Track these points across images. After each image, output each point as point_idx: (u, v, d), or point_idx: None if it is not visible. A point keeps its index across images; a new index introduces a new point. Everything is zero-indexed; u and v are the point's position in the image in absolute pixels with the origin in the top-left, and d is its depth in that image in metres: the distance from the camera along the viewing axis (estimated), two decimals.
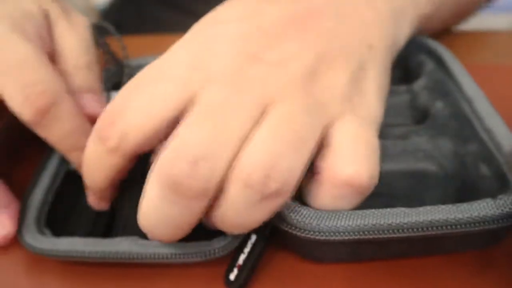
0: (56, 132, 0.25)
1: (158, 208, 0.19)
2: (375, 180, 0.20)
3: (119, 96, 0.21)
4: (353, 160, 0.20)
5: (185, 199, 0.18)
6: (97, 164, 0.22)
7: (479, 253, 0.23)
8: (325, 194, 0.20)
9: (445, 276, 0.22)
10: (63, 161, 0.27)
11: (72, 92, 0.26)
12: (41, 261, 0.24)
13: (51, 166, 0.26)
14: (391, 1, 0.26)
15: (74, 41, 0.28)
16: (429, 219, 0.20)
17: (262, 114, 0.20)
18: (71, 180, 0.26)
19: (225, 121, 0.19)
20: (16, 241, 0.24)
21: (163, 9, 0.52)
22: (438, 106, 0.27)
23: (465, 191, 0.24)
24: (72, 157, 0.25)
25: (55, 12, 0.29)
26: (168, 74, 0.21)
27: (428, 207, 0.20)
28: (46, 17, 0.28)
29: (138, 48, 0.38)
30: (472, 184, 0.24)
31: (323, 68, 0.22)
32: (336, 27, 0.23)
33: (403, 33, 0.27)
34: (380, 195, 0.24)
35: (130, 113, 0.20)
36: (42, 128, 0.24)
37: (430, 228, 0.20)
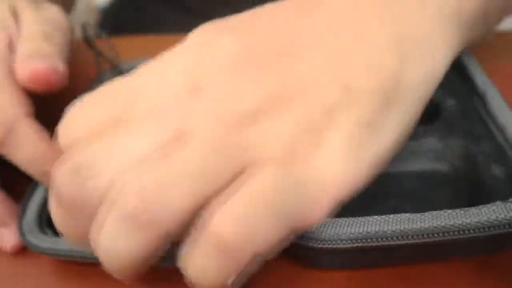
0: (19, 157, 0.25)
1: (55, 215, 0.18)
2: (254, 246, 0.16)
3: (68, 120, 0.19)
4: (235, 218, 0.16)
5: (64, 207, 0.18)
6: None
7: (481, 258, 0.22)
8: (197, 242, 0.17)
9: (446, 281, 0.22)
10: None
11: (20, 59, 0.26)
12: (41, 261, 0.24)
13: None
14: (393, 22, 0.20)
15: (34, 17, 0.28)
16: (435, 225, 0.19)
17: (168, 144, 0.17)
18: None
19: (119, 141, 0.17)
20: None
21: (163, 9, 0.52)
22: (450, 103, 0.26)
23: (476, 192, 0.23)
24: (45, 182, 0.25)
25: (22, 6, 0.28)
26: (111, 95, 0.19)
27: (434, 212, 0.19)
28: (14, 14, 0.28)
29: (138, 48, 0.38)
30: (484, 185, 0.23)
31: (269, 110, 0.18)
32: (300, 64, 0.19)
33: (420, 71, 0.20)
34: (390, 196, 0.24)
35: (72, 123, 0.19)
36: (6, 154, 0.25)
37: (436, 235, 0.19)
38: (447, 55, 0.21)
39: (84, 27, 0.32)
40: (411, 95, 0.19)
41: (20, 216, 0.24)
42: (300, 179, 0.17)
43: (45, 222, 0.24)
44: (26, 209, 0.24)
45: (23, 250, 0.24)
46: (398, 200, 0.24)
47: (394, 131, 0.19)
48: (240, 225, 0.16)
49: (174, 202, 0.16)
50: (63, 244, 0.22)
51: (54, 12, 0.30)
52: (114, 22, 0.54)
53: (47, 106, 0.27)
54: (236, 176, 0.17)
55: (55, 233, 0.23)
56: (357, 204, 0.23)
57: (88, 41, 0.32)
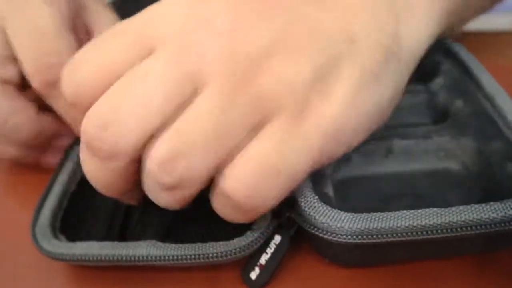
0: (62, 104, 0.25)
1: (85, 163, 0.19)
2: (255, 204, 0.18)
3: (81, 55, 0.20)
4: (240, 178, 0.17)
5: (98, 158, 0.19)
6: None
7: (483, 254, 0.22)
8: (214, 198, 0.19)
9: (448, 277, 0.22)
10: (79, 165, 0.26)
11: None
12: (51, 265, 0.24)
13: (66, 171, 0.26)
14: None
15: (109, 21, 0.28)
16: (463, 218, 0.19)
17: (189, 93, 0.18)
18: (86, 184, 0.25)
19: (140, 89, 0.18)
20: (30, 246, 0.23)
21: None
22: (458, 104, 0.27)
23: (491, 190, 0.23)
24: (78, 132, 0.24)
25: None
26: (123, 30, 0.19)
27: (461, 207, 0.20)
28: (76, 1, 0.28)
29: None
30: (498, 183, 0.23)
31: (280, 55, 0.18)
32: (311, 11, 0.19)
33: (413, 32, 0.21)
34: (403, 195, 0.24)
35: (84, 69, 0.19)
36: (50, 99, 0.25)
37: (464, 228, 0.19)
38: (433, 24, 0.22)
39: None
40: (406, 54, 0.21)
41: (33, 222, 0.23)
42: (306, 133, 0.18)
43: (59, 228, 0.24)
44: (40, 214, 0.24)
45: (36, 255, 0.23)
46: (411, 199, 0.24)
47: (392, 86, 0.20)
48: (250, 191, 0.17)
49: (192, 168, 0.17)
50: (77, 249, 0.22)
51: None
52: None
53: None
54: (253, 128, 0.18)
55: (69, 238, 0.23)
56: (372, 203, 0.23)
57: None
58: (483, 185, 0.24)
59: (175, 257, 0.21)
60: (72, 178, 0.26)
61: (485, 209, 0.19)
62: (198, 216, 0.22)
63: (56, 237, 0.23)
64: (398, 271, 0.22)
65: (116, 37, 0.19)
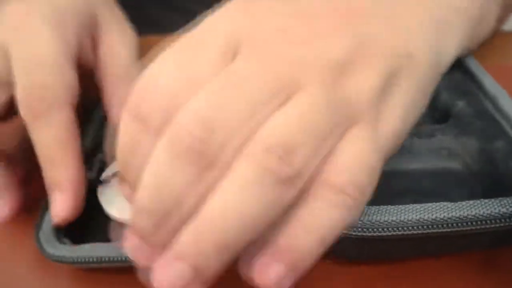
0: (42, 137, 0.25)
1: (162, 173, 0.17)
2: (362, 197, 0.18)
3: (155, 67, 0.19)
4: (352, 172, 0.18)
5: (197, 169, 0.16)
6: (133, 149, 0.19)
7: (485, 253, 0.23)
8: (321, 203, 0.18)
9: (450, 276, 0.22)
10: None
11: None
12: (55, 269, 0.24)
13: None
14: (431, 9, 0.23)
15: (124, 52, 0.28)
16: (473, 213, 0.19)
17: (285, 96, 0.18)
18: (90, 190, 0.26)
19: (245, 91, 0.17)
20: (34, 250, 0.23)
21: (163, 10, 0.51)
22: (460, 105, 0.27)
23: (493, 188, 0.24)
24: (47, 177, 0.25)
25: (105, 16, 0.28)
26: (207, 42, 0.19)
27: (471, 202, 0.20)
28: (93, 17, 0.28)
29: (138, 49, 0.37)
30: (502, 181, 0.23)
31: (358, 63, 0.19)
32: (376, 26, 0.21)
33: (449, 47, 0.24)
34: (406, 193, 0.24)
35: (165, 84, 0.18)
36: (32, 130, 0.25)
37: (474, 223, 0.19)
38: (460, 45, 0.25)
39: None
40: (443, 69, 0.23)
41: (37, 225, 0.23)
42: (381, 137, 0.19)
43: (63, 232, 0.23)
44: (43, 218, 0.24)
45: (40, 259, 0.23)
46: (414, 196, 0.24)
47: (429, 98, 0.22)
48: (359, 184, 0.17)
49: (309, 159, 0.17)
50: (81, 251, 0.22)
51: (132, 37, 0.30)
52: None
53: None
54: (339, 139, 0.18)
55: (73, 242, 0.23)
56: (375, 200, 0.23)
57: None
58: (485, 184, 0.24)
59: None
60: None
61: (495, 204, 0.20)
62: None
63: (60, 240, 0.23)
64: (398, 270, 0.22)
65: (194, 48, 0.19)
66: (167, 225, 0.17)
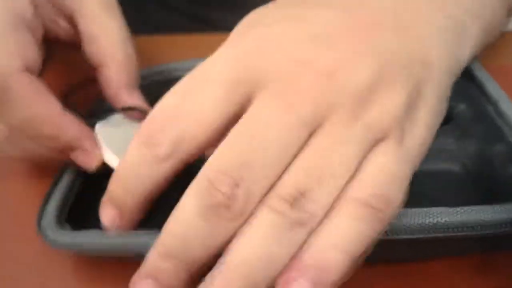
0: (13, 120, 0.23)
1: (192, 224, 0.18)
2: (390, 209, 0.18)
3: (167, 100, 0.20)
4: (375, 185, 0.18)
5: (226, 221, 0.18)
6: (140, 174, 0.20)
7: (482, 255, 0.23)
8: (346, 217, 0.18)
9: (446, 277, 0.22)
10: None
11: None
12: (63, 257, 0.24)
13: (73, 166, 0.26)
14: (449, 15, 0.23)
15: (112, 24, 0.27)
16: (482, 218, 0.20)
17: (308, 135, 0.18)
18: (92, 178, 0.26)
19: (269, 141, 0.18)
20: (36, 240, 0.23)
21: (163, 10, 0.51)
22: (461, 108, 0.27)
23: (492, 192, 0.24)
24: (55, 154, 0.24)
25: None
26: (217, 76, 0.20)
27: (473, 207, 0.20)
28: None
29: (137, 48, 0.37)
30: (500, 185, 0.23)
31: (381, 86, 0.19)
32: (393, 40, 0.20)
33: (465, 53, 0.24)
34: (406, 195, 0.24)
35: (183, 119, 0.19)
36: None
37: (479, 228, 0.20)
38: (474, 51, 0.25)
39: None
40: (458, 76, 0.23)
41: (39, 213, 0.23)
42: (403, 157, 0.19)
43: (65, 220, 0.23)
44: (46, 206, 0.24)
45: (45, 246, 0.23)
46: (412, 198, 0.24)
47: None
48: (385, 196, 0.18)
49: (321, 202, 0.18)
50: (82, 237, 0.22)
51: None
52: None
53: None
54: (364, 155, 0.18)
55: (74, 228, 0.23)
56: None
57: None
58: (484, 187, 0.24)
59: None
60: (79, 172, 0.26)
61: (494, 209, 0.20)
62: None
63: (62, 227, 0.23)
64: (396, 272, 0.22)
65: (208, 85, 0.20)
66: (190, 270, 0.18)
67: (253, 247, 0.17)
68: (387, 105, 0.19)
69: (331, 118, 0.18)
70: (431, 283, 0.22)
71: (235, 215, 0.18)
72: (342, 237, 0.17)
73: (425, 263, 0.22)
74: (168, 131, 0.19)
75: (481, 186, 0.25)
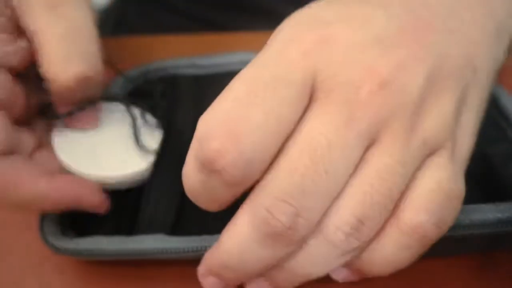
0: None
1: (249, 248, 0.18)
2: (442, 232, 0.18)
3: (224, 110, 0.17)
4: (427, 208, 0.18)
5: (284, 247, 0.18)
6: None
7: (482, 255, 0.22)
8: (391, 243, 0.18)
9: (448, 278, 0.22)
10: None
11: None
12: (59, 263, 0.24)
13: None
14: (494, 17, 0.22)
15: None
16: (478, 217, 0.20)
17: (362, 152, 0.18)
18: None
19: (331, 164, 0.17)
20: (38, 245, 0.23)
21: (164, 10, 0.51)
22: None
23: (492, 192, 0.23)
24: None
25: None
26: (286, 77, 0.17)
27: (476, 206, 0.20)
28: None
29: (137, 48, 0.37)
30: (503, 184, 0.23)
31: (433, 91, 0.18)
32: (444, 43, 0.19)
33: (501, 58, 0.23)
34: None
35: (251, 134, 0.17)
36: None
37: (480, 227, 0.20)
38: (506, 50, 0.23)
39: None
40: (496, 78, 0.22)
41: (41, 218, 0.23)
42: (454, 165, 0.19)
43: (67, 225, 0.23)
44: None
45: (46, 251, 0.23)
46: None
47: None
48: (438, 219, 0.18)
49: (375, 226, 0.18)
50: (84, 244, 0.22)
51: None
52: (114, 22, 0.54)
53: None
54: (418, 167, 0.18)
55: (77, 234, 0.23)
56: None
57: None
58: (484, 187, 0.24)
59: (181, 250, 0.21)
60: None
61: (492, 208, 0.20)
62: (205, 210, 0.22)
63: (64, 233, 0.23)
64: (395, 272, 0.22)
65: (272, 88, 0.17)
66: (248, 276, 0.19)
67: (303, 268, 0.19)
68: (439, 113, 0.18)
69: (387, 132, 0.18)
70: (431, 283, 0.22)
71: (293, 242, 0.17)
72: (383, 262, 0.19)
73: (425, 263, 0.22)
74: (233, 151, 0.17)
75: (481, 186, 0.24)
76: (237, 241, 0.18)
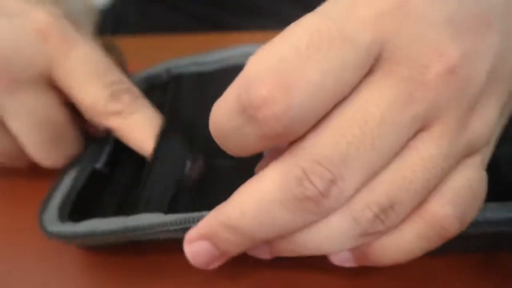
0: None
1: (270, 208, 0.17)
2: (461, 228, 0.18)
3: (280, 56, 0.16)
4: (454, 202, 0.18)
5: (307, 214, 0.17)
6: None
7: (483, 255, 0.22)
8: (411, 232, 0.18)
9: (450, 278, 0.22)
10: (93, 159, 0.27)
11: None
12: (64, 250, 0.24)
13: (81, 163, 0.26)
14: None
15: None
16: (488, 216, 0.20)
17: (412, 135, 0.17)
18: (96, 178, 0.26)
19: (379, 139, 0.16)
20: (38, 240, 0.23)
21: (164, 10, 0.51)
22: None
23: (498, 193, 0.23)
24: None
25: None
26: (352, 36, 0.16)
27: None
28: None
29: (138, 48, 0.37)
30: (507, 186, 0.23)
31: (487, 92, 0.17)
32: (501, 45, 0.18)
33: None
34: None
35: (304, 91, 0.15)
36: None
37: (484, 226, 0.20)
38: None
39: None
40: None
41: (41, 210, 0.23)
42: (482, 162, 0.19)
43: (67, 215, 0.23)
44: (48, 204, 0.24)
45: (46, 240, 0.24)
46: None
47: None
48: (462, 214, 0.17)
49: (403, 213, 0.17)
50: (82, 227, 0.22)
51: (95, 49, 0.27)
52: (114, 22, 0.54)
53: None
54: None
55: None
56: None
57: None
58: (490, 188, 0.24)
59: (182, 221, 0.20)
60: (84, 171, 0.26)
61: (497, 207, 0.20)
62: (202, 190, 0.22)
63: (62, 221, 0.23)
64: (396, 271, 0.22)
65: (336, 45, 0.16)
66: (252, 244, 0.18)
67: (321, 244, 0.18)
68: (487, 117, 0.18)
69: (440, 122, 0.17)
70: (431, 283, 0.21)
71: (321, 211, 0.17)
72: (396, 250, 0.18)
73: (425, 263, 0.22)
74: (279, 108, 0.15)
75: (489, 188, 0.24)
76: (256, 198, 0.17)
